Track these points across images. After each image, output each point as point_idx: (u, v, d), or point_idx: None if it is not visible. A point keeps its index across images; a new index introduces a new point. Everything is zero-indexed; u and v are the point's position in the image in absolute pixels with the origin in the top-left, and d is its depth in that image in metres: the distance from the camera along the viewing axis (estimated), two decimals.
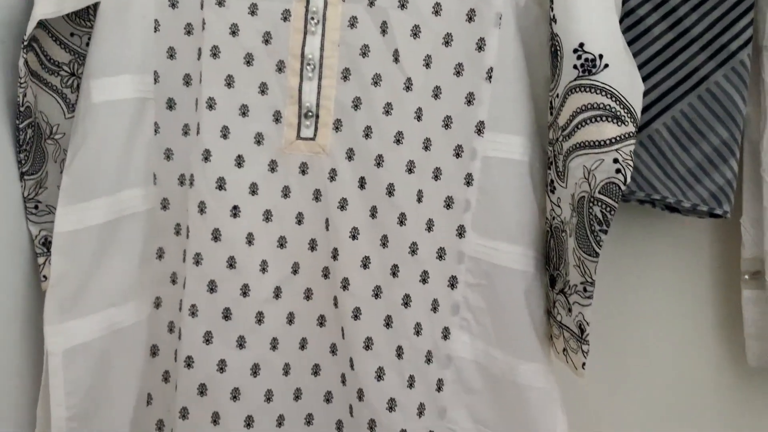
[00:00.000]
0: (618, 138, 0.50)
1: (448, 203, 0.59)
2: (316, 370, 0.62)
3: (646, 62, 0.59)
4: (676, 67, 0.58)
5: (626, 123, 0.50)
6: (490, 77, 0.57)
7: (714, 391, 0.68)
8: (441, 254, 0.59)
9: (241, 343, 0.59)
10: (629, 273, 0.68)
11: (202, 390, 0.59)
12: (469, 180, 0.58)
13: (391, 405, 0.58)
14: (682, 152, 0.58)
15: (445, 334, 0.59)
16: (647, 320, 0.68)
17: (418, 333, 0.59)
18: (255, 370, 0.59)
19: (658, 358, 0.68)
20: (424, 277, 0.59)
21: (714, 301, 0.68)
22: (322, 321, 0.61)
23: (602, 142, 0.50)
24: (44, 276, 0.58)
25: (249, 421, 0.59)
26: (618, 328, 0.68)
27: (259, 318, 0.59)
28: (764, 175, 0.60)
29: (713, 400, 0.68)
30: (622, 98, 0.50)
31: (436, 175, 0.58)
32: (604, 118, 0.50)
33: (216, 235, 0.58)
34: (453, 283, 0.59)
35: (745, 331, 0.64)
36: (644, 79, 0.58)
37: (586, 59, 0.51)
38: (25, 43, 0.53)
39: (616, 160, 0.50)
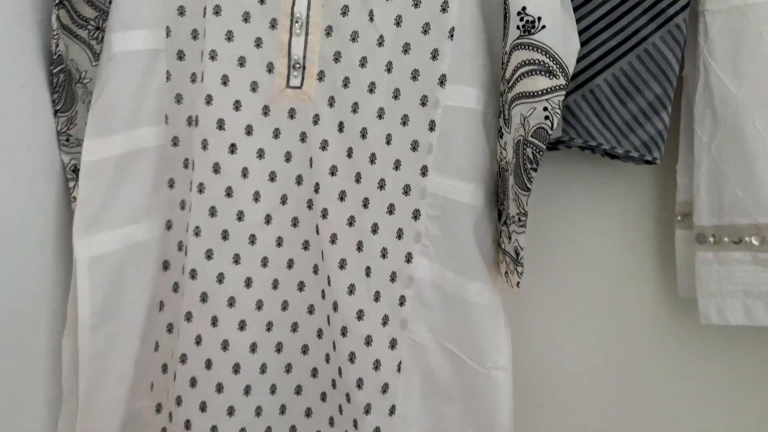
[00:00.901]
0: (548, 89, 0.58)
1: (414, 146, 0.67)
2: (300, 287, 0.72)
3: (591, 24, 0.65)
4: (618, 29, 0.65)
5: (557, 77, 0.58)
6: (452, 36, 0.64)
7: (650, 317, 0.76)
8: (406, 190, 0.68)
9: (236, 259, 0.69)
10: (578, 212, 0.76)
11: (204, 298, 0.70)
12: (432, 126, 0.66)
13: (360, 315, 0.68)
14: (620, 105, 0.65)
15: (408, 258, 0.68)
16: (591, 254, 0.76)
17: (384, 256, 0.68)
18: (248, 283, 0.70)
19: (600, 289, 0.76)
20: (391, 209, 0.68)
21: (653, 240, 0.75)
22: (306, 245, 0.71)
23: (535, 93, 0.58)
24: (74, 197, 0.69)
25: (242, 325, 0.70)
26: (565, 260, 0.76)
27: (252, 239, 0.70)
28: (696, 128, 0.66)
29: (649, 326, 0.76)
30: (556, 55, 0.58)
31: (404, 121, 0.67)
32: (538, 72, 0.58)
33: (216, 168, 0.68)
34: (416, 215, 0.68)
35: (676, 266, 0.72)
36: (589, 39, 0.66)
37: (527, 21, 0.58)
38: (57, 1, 0.63)
39: (545, 108, 0.58)
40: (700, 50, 0.66)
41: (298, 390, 0.73)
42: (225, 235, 0.69)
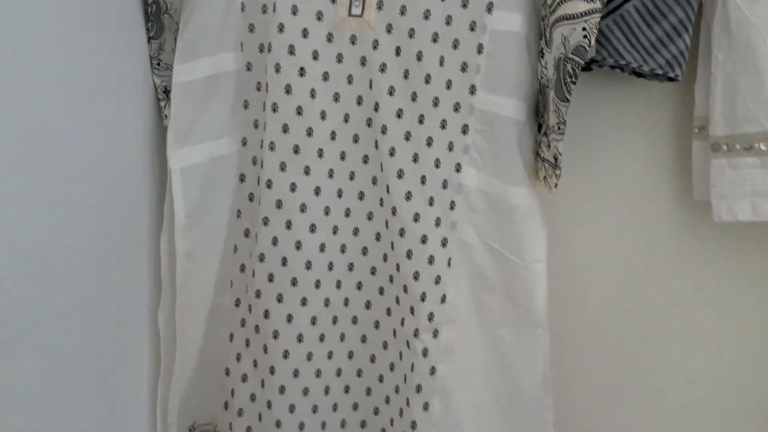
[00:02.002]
0: (587, 12, 0.66)
1: (464, 67, 0.76)
2: (360, 196, 0.81)
3: None
4: None
5: (594, 1, 0.66)
6: None
7: (668, 218, 0.85)
8: (457, 107, 0.76)
9: (307, 171, 0.79)
10: (607, 126, 0.84)
11: (279, 204, 0.79)
12: (480, 49, 0.75)
13: (416, 217, 0.78)
14: (647, 28, 0.73)
15: (458, 168, 0.78)
16: (618, 163, 0.85)
17: (437, 166, 0.78)
18: (317, 191, 0.79)
19: (625, 192, 0.85)
20: (443, 125, 0.77)
21: (672, 150, 0.84)
22: (366, 159, 0.80)
23: (575, 15, 0.67)
24: (165, 115, 0.79)
25: (312, 228, 0.80)
26: (594, 168, 0.85)
27: (320, 153, 0.79)
28: (713, 49, 0.75)
29: (666, 225, 0.86)
30: None
31: (455, 44, 0.75)
32: None
33: (288, 89, 0.77)
34: (465, 129, 0.77)
35: (693, 172, 0.81)
36: None
37: None
38: None
39: (584, 29, 0.66)
40: None
41: (359, 286, 0.84)
42: (296, 149, 0.78)
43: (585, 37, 0.66)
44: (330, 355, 0.84)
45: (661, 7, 0.73)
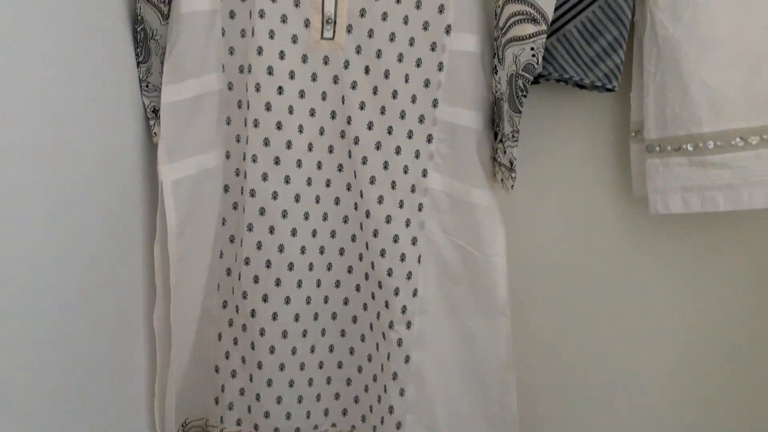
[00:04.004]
0: (534, 33, 0.75)
1: (426, 83, 0.84)
2: (336, 201, 0.88)
3: None
4: None
5: (540, 23, 0.75)
6: None
7: (610, 212, 0.96)
8: (421, 119, 0.85)
9: (287, 180, 0.86)
10: (553, 132, 0.94)
11: (262, 211, 0.86)
12: (440, 66, 0.83)
13: (388, 219, 0.86)
14: (587, 45, 0.83)
15: (424, 173, 0.86)
16: (566, 164, 0.94)
17: (405, 172, 0.86)
18: (297, 198, 0.86)
19: (573, 191, 0.95)
20: (410, 135, 0.85)
21: (612, 152, 0.94)
22: (340, 167, 0.88)
23: (524, 36, 0.76)
24: (154, 133, 0.85)
25: (293, 232, 0.87)
26: (544, 169, 0.94)
27: (299, 163, 0.86)
28: (645, 63, 0.85)
29: (609, 218, 0.96)
30: (539, 7, 0.75)
31: (418, 63, 0.83)
32: (525, 20, 0.75)
33: (268, 107, 0.84)
34: (429, 138, 0.85)
35: (631, 171, 0.91)
36: None
37: None
38: None
39: (532, 48, 0.75)
40: (647, 0, 0.83)
41: (338, 284, 0.91)
42: (277, 161, 0.85)
43: (533, 56, 0.75)
44: (312, 349, 0.91)
45: (599, 27, 0.82)
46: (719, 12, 0.79)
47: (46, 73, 0.64)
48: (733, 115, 0.80)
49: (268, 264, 0.87)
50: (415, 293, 0.88)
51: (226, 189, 0.89)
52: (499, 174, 0.85)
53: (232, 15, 0.84)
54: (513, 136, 0.80)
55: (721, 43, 0.80)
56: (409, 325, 0.88)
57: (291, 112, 0.85)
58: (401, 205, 0.86)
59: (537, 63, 0.76)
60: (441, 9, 0.81)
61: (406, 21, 0.82)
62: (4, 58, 0.57)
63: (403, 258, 0.87)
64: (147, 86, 0.83)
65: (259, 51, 0.83)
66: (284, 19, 0.83)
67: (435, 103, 0.84)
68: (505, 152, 0.82)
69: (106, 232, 0.76)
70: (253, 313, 0.88)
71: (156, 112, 0.84)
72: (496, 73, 0.82)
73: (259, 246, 0.87)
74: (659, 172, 0.85)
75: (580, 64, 0.83)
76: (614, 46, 0.82)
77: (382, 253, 0.87)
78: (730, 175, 0.81)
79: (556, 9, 0.80)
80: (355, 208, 0.88)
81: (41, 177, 0.63)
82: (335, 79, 0.85)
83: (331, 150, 0.87)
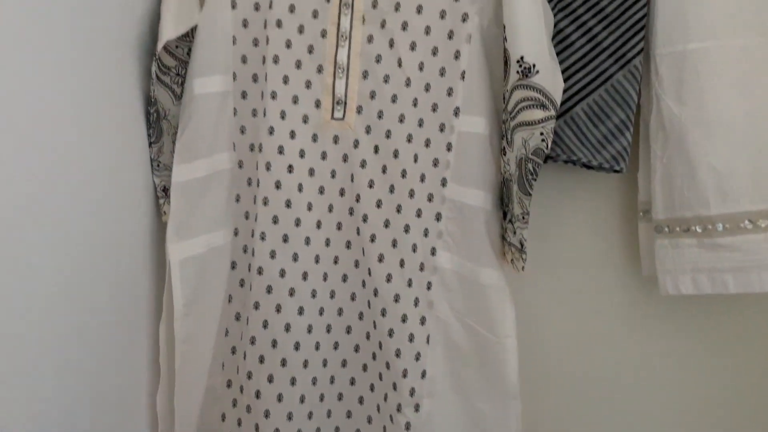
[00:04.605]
0: (543, 119, 0.76)
1: (435, 163, 0.84)
2: (344, 278, 0.88)
3: (570, 66, 0.84)
4: (590, 69, 0.84)
5: (549, 109, 0.76)
6: (463, 77, 0.81)
7: (620, 291, 0.95)
8: (430, 197, 0.85)
9: (295, 257, 0.85)
10: (562, 211, 0.95)
11: (269, 289, 0.85)
12: (449, 147, 0.84)
13: (396, 298, 0.85)
14: (594, 128, 0.84)
15: (433, 251, 0.85)
16: (575, 244, 0.95)
17: (414, 251, 0.85)
18: (305, 276, 0.86)
19: (582, 270, 0.95)
20: (419, 213, 0.85)
21: (621, 231, 0.94)
22: (348, 244, 0.88)
23: (533, 122, 0.77)
24: (164, 211, 0.85)
25: (300, 311, 0.86)
26: (554, 249, 0.95)
27: (307, 241, 0.86)
28: (651, 143, 0.86)
29: (619, 298, 0.95)
30: (548, 93, 0.76)
31: (427, 143, 0.84)
32: (535, 106, 0.76)
33: (278, 185, 0.85)
34: (438, 217, 0.85)
35: (640, 251, 0.91)
36: (568, 77, 0.85)
37: (525, 67, 0.77)
38: (156, 57, 0.79)
39: (542, 133, 0.76)
40: (652, 84, 0.85)
41: (344, 363, 0.90)
42: (285, 239, 0.85)
43: (543, 140, 0.76)
44: (317, 431, 0.89)
45: (605, 109, 0.84)
46: (724, 95, 0.81)
47: (58, 156, 0.64)
48: (741, 198, 0.81)
49: (274, 344, 0.86)
50: (423, 375, 0.86)
51: (233, 266, 0.88)
52: (509, 254, 0.85)
53: (244, 95, 0.85)
54: (523, 218, 0.80)
55: (726, 126, 0.81)
56: (417, 407, 0.86)
57: (300, 190, 0.85)
58: (410, 284, 0.86)
59: (546, 148, 0.76)
60: (450, 92, 0.83)
61: (415, 103, 0.83)
62: (14, 156, 0.57)
63: (411, 338, 0.85)
64: (158, 166, 0.84)
65: (271, 131, 0.84)
66: (295, 100, 0.84)
67: (444, 182, 0.84)
68: (515, 233, 0.82)
69: (112, 311, 0.75)
70: (258, 395, 0.86)
71: (166, 191, 0.84)
72: (504, 155, 0.83)
73: (265, 325, 0.86)
74: (669, 254, 0.85)
75: (587, 146, 0.84)
76: (621, 129, 0.83)
77: (390, 333, 0.85)
78: (740, 257, 0.81)
79: (563, 92, 0.82)
80: (363, 286, 0.87)
81: (49, 254, 0.63)
82: (345, 158, 0.85)
83: (339, 227, 0.87)
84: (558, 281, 0.96)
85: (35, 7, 0.59)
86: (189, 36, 0.83)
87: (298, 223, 0.85)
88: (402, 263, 0.85)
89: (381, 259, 0.85)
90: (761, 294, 0.85)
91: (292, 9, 0.82)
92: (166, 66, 0.83)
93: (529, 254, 0.84)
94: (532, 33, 0.77)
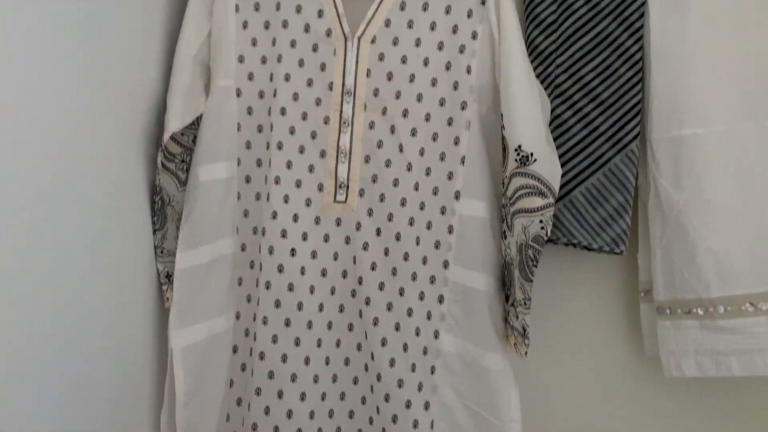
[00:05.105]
0: (542, 206, 0.77)
1: (437, 245, 0.85)
2: (347, 362, 0.87)
3: (567, 151, 0.86)
4: (588, 154, 0.85)
5: (548, 197, 0.78)
6: (463, 162, 0.83)
7: (623, 372, 0.94)
8: (432, 280, 0.85)
9: (297, 342, 0.85)
10: (563, 292, 0.95)
11: (271, 375, 0.85)
12: (450, 229, 0.84)
13: (400, 383, 0.84)
14: (593, 211, 0.85)
15: (436, 335, 0.85)
16: (577, 325, 0.95)
17: (417, 334, 0.85)
18: (306, 361, 0.85)
19: (585, 352, 0.94)
20: (422, 296, 0.85)
21: (623, 311, 0.94)
22: (351, 327, 0.87)
23: (533, 209, 0.78)
24: (167, 298, 0.85)
25: (303, 396, 0.85)
26: (557, 330, 0.95)
27: (309, 325, 0.86)
28: (650, 226, 0.87)
29: (622, 378, 0.94)
30: (546, 181, 0.78)
31: (429, 226, 0.85)
32: (533, 194, 0.78)
33: (280, 269, 0.85)
34: (441, 299, 0.85)
35: (642, 331, 0.91)
36: (566, 162, 0.86)
37: (523, 155, 0.78)
38: (162, 148, 0.81)
39: (541, 221, 0.77)
40: (649, 168, 0.86)
41: None
42: (287, 323, 0.85)
43: (542, 228, 0.77)
44: None
45: (604, 193, 0.85)
46: (720, 179, 0.82)
47: (64, 248, 0.65)
48: (741, 281, 0.81)
49: (276, 430, 0.85)
50: None
51: (235, 350, 0.88)
52: (512, 338, 0.85)
53: (248, 180, 0.87)
54: (525, 303, 0.80)
55: (724, 211, 0.82)
56: None
57: (303, 273, 0.85)
58: (413, 369, 0.85)
59: (546, 235, 0.77)
60: (450, 176, 0.84)
61: (416, 187, 0.84)
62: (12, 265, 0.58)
63: (416, 425, 0.84)
64: (162, 252, 0.84)
65: (274, 215, 0.85)
66: (299, 184, 0.85)
67: (446, 264, 0.85)
68: (517, 317, 0.82)
69: (115, 400, 0.75)
70: None
71: (169, 277, 0.85)
72: (505, 238, 0.83)
73: (267, 411, 0.85)
74: (671, 335, 0.85)
75: (587, 228, 0.85)
76: (620, 212, 0.84)
77: (394, 419, 0.84)
78: (742, 340, 0.81)
79: (561, 176, 0.83)
80: (366, 370, 0.87)
81: (53, 348, 0.62)
82: (347, 240, 0.86)
83: (341, 309, 0.87)
84: (561, 364, 0.96)
85: (41, 102, 0.60)
86: (195, 124, 0.85)
87: (300, 306, 0.85)
88: (405, 347, 0.85)
89: (384, 342, 0.85)
90: (766, 376, 0.85)
91: (295, 97, 0.84)
92: (171, 153, 0.85)
93: (532, 337, 0.84)
94: (529, 121, 0.79)
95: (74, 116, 0.65)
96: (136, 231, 0.80)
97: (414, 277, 0.85)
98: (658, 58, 0.84)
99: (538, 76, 0.85)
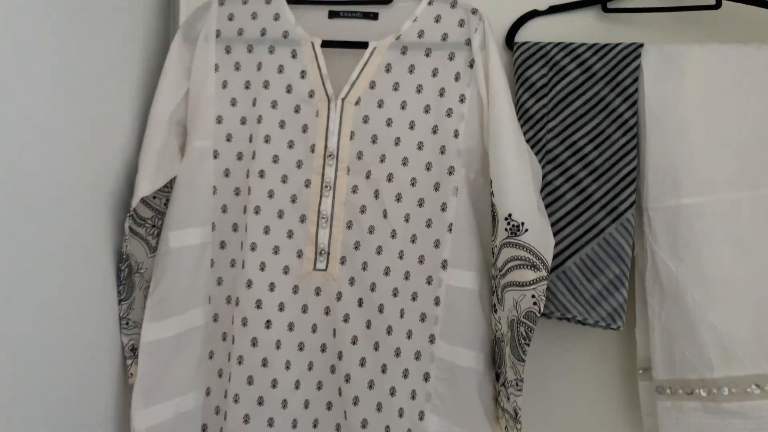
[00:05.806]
0: (534, 280, 0.73)
1: (423, 318, 0.80)
2: None
3: (560, 219, 0.82)
4: (581, 223, 0.81)
5: (540, 270, 0.73)
6: (451, 229, 0.79)
7: None
8: (418, 356, 0.80)
9: (270, 422, 0.79)
10: (557, 369, 0.89)
11: None
12: (437, 301, 0.80)
13: None
14: (588, 283, 0.81)
15: (421, 416, 0.79)
16: (573, 404, 0.89)
17: (401, 416, 0.79)
18: None
19: (579, 429, 0.90)
20: (406, 374, 0.79)
21: (621, 388, 0.89)
22: (329, 406, 0.81)
23: (524, 283, 0.73)
24: (131, 373, 0.79)
25: None
26: (552, 409, 0.89)
27: (284, 404, 0.80)
28: (648, 299, 0.82)
29: None
30: (537, 252, 0.73)
31: (414, 297, 0.80)
32: (525, 266, 0.73)
33: (254, 342, 0.79)
34: (426, 377, 0.80)
35: (641, 410, 0.85)
36: (559, 231, 0.82)
37: (513, 225, 0.74)
38: (130, 213, 0.76)
39: (533, 296, 0.72)
40: (646, 237, 0.82)
41: None
42: (260, 401, 0.79)
43: (535, 303, 0.72)
44: None
45: (599, 264, 0.80)
46: (720, 251, 0.78)
47: (21, 329, 0.59)
48: (745, 361, 0.76)
49: None
50: None
51: (203, 429, 0.82)
52: (502, 421, 0.79)
53: (222, 245, 0.82)
54: (517, 385, 0.74)
55: (725, 284, 0.77)
56: None
57: (278, 347, 0.80)
58: None
59: (539, 311, 0.72)
60: (437, 244, 0.80)
61: (401, 255, 0.80)
62: None
63: None
64: (127, 324, 0.78)
65: (249, 284, 0.80)
66: (276, 251, 0.81)
67: (432, 339, 0.79)
68: (508, 398, 0.76)
69: None
70: None
71: (134, 350, 0.79)
72: (495, 312, 0.78)
73: None
74: (672, 416, 0.79)
75: (582, 302, 0.80)
76: (616, 284, 0.80)
77: None
78: (750, 425, 0.75)
79: (554, 245, 0.79)
80: None
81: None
82: (327, 311, 0.81)
83: (319, 387, 0.81)
84: None
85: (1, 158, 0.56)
86: (168, 186, 0.81)
87: (274, 384, 0.79)
88: (387, 430, 0.79)
89: (365, 424, 0.79)
90: None
91: (275, 159, 0.80)
92: (142, 218, 0.80)
93: (525, 418, 0.78)
94: (519, 189, 0.75)
95: (34, 176, 0.61)
96: (99, 301, 0.74)
97: (398, 353, 0.79)
98: (653, 123, 0.81)
99: (528, 141, 0.81)
